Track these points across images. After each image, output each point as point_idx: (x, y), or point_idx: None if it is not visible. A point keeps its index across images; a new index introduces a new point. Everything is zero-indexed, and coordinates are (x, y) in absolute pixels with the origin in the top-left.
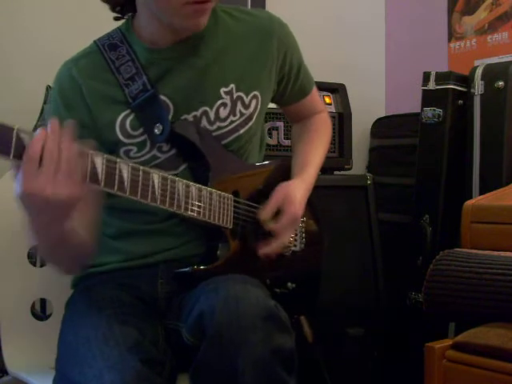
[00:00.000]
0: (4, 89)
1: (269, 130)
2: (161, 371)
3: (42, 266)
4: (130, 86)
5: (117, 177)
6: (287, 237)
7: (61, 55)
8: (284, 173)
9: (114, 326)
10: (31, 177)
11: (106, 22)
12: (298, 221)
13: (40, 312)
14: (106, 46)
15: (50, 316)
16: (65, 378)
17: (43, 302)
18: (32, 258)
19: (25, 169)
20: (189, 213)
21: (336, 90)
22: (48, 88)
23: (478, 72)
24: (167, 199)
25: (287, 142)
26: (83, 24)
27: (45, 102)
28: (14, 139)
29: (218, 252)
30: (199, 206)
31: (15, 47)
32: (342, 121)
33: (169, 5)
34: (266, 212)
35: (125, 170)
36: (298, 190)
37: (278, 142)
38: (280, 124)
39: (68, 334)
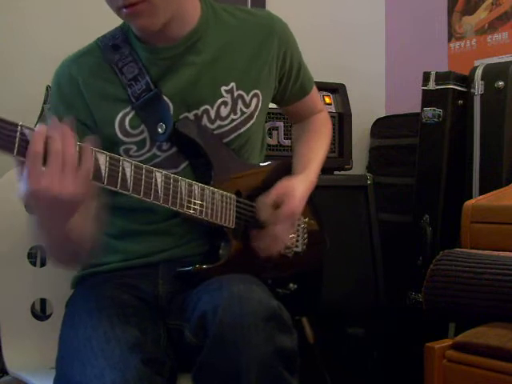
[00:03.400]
0: (4, 89)
1: (269, 130)
2: (161, 371)
3: (42, 266)
4: (133, 86)
5: (120, 175)
6: (284, 228)
7: (61, 56)
8: (285, 173)
9: (116, 325)
10: (37, 175)
11: (106, 22)
12: (297, 215)
13: (40, 312)
14: (109, 46)
15: (50, 316)
16: (65, 377)
17: (43, 302)
18: (32, 258)
19: (30, 167)
20: (191, 212)
21: (336, 90)
22: (48, 88)
23: (478, 72)
24: (170, 198)
25: (287, 142)
26: (83, 24)
27: (45, 102)
28: (18, 136)
29: (221, 251)
30: (201, 206)
31: (15, 48)
32: (342, 121)
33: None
34: (264, 200)
35: (128, 168)
36: (299, 186)
37: (278, 142)
38: (280, 124)
39: (68, 333)
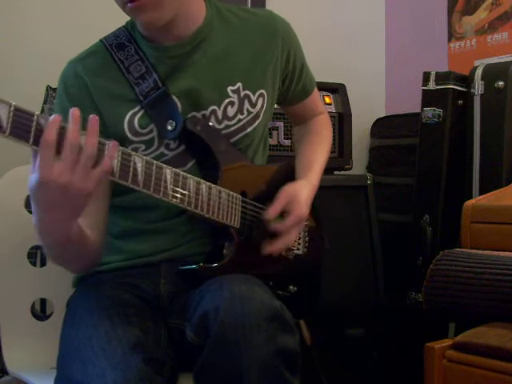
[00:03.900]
0: (4, 89)
1: (269, 130)
2: (162, 371)
3: (42, 266)
4: (141, 84)
5: (131, 170)
6: (293, 236)
7: (61, 56)
8: (290, 174)
9: (117, 325)
10: (49, 163)
11: (107, 22)
12: (304, 221)
13: (40, 312)
14: (114, 45)
15: (50, 316)
16: (66, 377)
17: (43, 302)
18: (32, 258)
19: (42, 155)
20: (198, 210)
21: (336, 90)
22: (48, 88)
23: (478, 72)
24: (178, 195)
25: (287, 142)
26: (83, 25)
27: (45, 102)
28: (33, 125)
29: (224, 251)
30: (208, 204)
31: (15, 48)
32: (342, 121)
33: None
34: (270, 212)
35: (139, 163)
36: (303, 191)
37: (278, 142)
38: (280, 124)
39: (69, 333)
